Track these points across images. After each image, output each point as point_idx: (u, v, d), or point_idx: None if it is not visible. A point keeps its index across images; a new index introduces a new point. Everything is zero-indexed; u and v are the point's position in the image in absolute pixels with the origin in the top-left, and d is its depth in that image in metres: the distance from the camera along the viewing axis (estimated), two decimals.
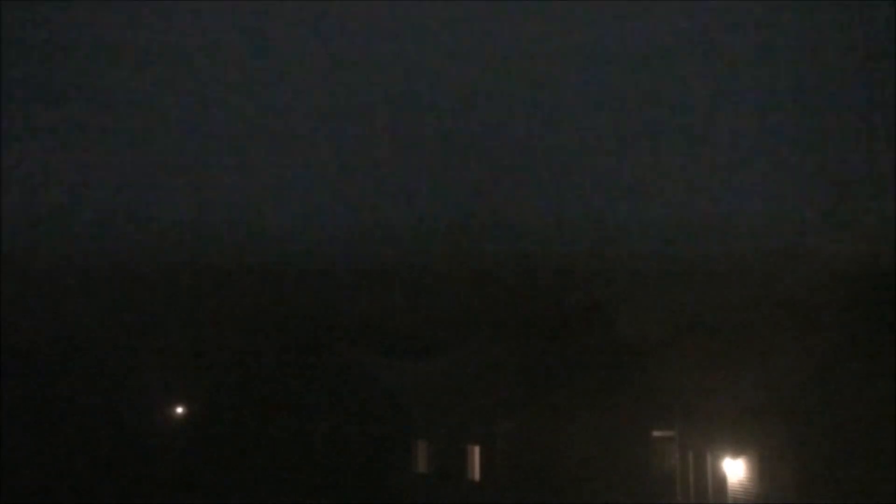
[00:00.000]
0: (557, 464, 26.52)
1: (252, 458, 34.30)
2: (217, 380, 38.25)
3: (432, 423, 32.52)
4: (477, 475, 29.43)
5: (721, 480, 19.46)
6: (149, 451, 36.08)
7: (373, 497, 31.27)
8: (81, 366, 39.45)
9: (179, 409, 40.60)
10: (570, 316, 29.92)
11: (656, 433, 24.34)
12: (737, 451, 18.77)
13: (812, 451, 16.22)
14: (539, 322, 30.89)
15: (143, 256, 47.26)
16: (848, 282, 15.71)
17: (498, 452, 28.33)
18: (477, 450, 29.52)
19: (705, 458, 20.46)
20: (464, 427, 30.33)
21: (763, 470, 17.88)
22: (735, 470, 18.81)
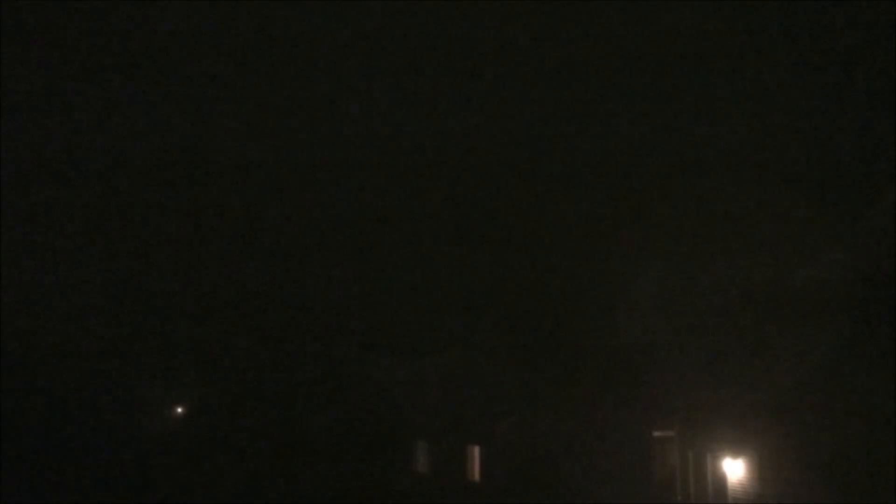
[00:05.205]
0: (557, 464, 26.55)
1: (250, 458, 34.31)
2: (215, 380, 38.24)
3: (432, 423, 32.55)
4: (477, 475, 29.48)
5: (721, 480, 19.46)
6: (145, 451, 36.06)
7: (373, 497, 31.28)
8: (80, 364, 39.41)
9: (178, 410, 40.58)
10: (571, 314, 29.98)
11: (656, 433, 24.34)
12: (737, 451, 18.77)
13: (812, 451, 16.21)
14: (539, 321, 30.91)
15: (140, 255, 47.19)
16: (848, 282, 15.68)
17: (498, 452, 28.36)
18: (477, 450, 29.57)
19: (705, 458, 20.47)
20: (463, 427, 30.37)
21: (763, 470, 17.88)
22: (735, 470, 18.81)
